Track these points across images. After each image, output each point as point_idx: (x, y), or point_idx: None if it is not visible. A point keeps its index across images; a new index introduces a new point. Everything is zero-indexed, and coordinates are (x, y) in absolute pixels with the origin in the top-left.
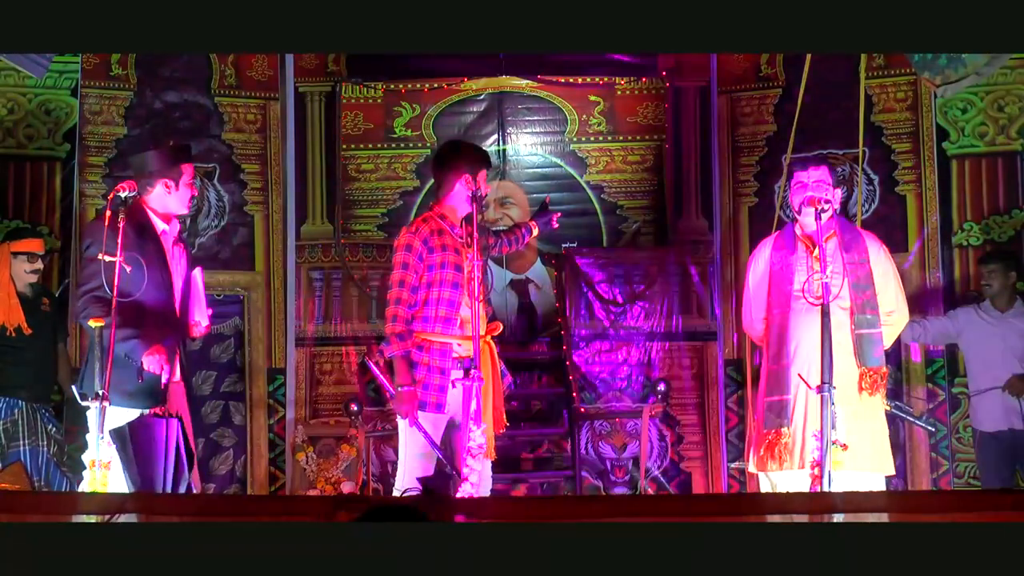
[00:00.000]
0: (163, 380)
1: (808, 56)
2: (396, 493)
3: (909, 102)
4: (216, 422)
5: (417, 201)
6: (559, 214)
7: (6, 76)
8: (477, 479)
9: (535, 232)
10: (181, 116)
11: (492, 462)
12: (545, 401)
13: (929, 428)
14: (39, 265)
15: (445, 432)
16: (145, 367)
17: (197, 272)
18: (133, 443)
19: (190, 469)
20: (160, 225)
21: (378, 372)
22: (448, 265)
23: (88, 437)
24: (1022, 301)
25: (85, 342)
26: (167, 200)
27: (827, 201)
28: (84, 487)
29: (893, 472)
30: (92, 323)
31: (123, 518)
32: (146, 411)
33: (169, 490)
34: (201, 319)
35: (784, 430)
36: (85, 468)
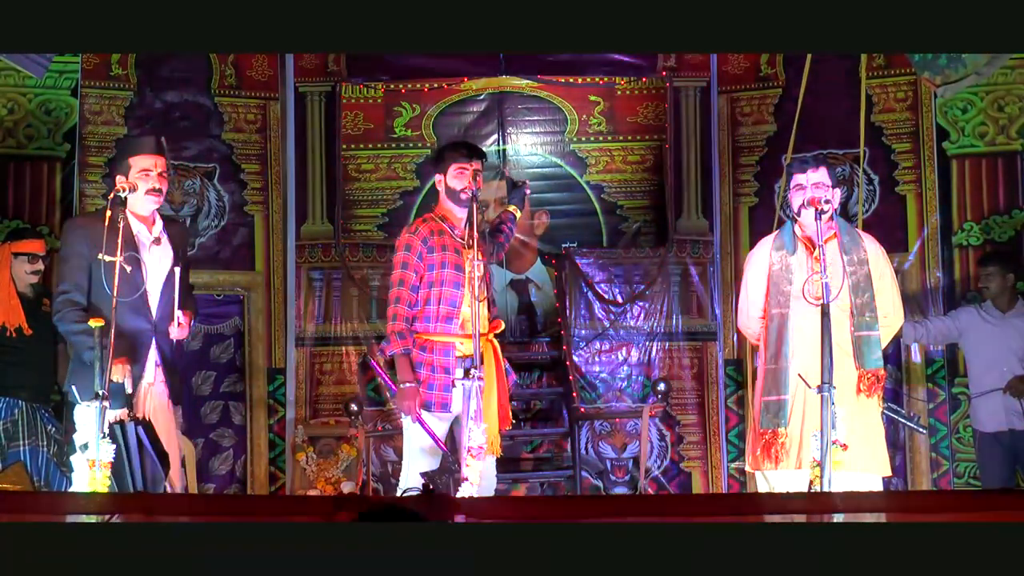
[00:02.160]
0: (127, 388)
1: (808, 56)
2: (400, 491)
3: (909, 102)
4: (216, 422)
5: (417, 201)
6: (526, 181)
7: (6, 76)
8: (478, 479)
9: (517, 215)
10: (181, 116)
11: (498, 461)
12: (545, 401)
13: (921, 430)
14: (40, 266)
15: (449, 431)
16: (111, 375)
17: (176, 271)
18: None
19: (166, 472)
20: (136, 226)
21: (380, 370)
22: (448, 264)
23: (75, 437)
24: (1023, 301)
25: (63, 346)
26: (132, 199)
27: (827, 201)
28: (74, 487)
29: (890, 473)
30: (92, 323)
31: (122, 518)
32: (112, 415)
33: (145, 491)
34: (176, 318)
35: (781, 430)
36: (73, 470)
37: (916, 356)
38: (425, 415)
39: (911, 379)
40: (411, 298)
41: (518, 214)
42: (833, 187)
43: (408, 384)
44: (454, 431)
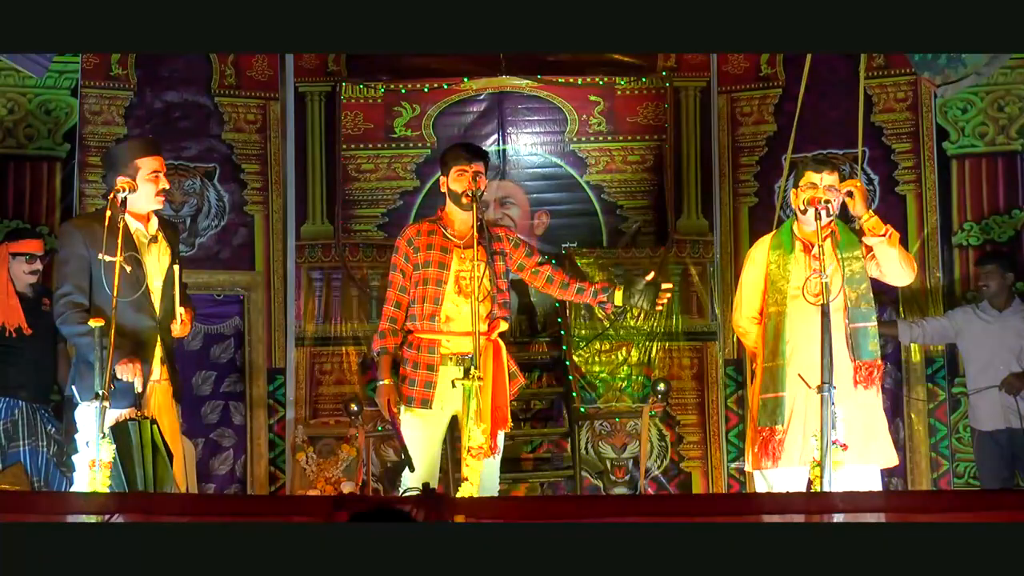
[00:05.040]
0: (137, 387)
1: (808, 56)
2: (400, 491)
3: (909, 102)
4: (216, 422)
5: (417, 201)
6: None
7: (6, 76)
8: (478, 479)
9: (617, 300)
10: (181, 116)
11: (500, 462)
12: (545, 401)
13: None
14: (38, 266)
15: (449, 431)
16: (118, 375)
17: (174, 269)
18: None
19: (171, 468)
20: (133, 224)
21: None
22: (432, 263)
23: (77, 438)
24: (1020, 301)
25: (63, 346)
26: (132, 198)
27: (828, 202)
28: (76, 488)
29: (896, 462)
30: (92, 323)
31: (122, 518)
32: (120, 414)
33: (152, 491)
34: (178, 316)
35: (779, 427)
36: (75, 470)
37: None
38: (408, 413)
39: (911, 379)
40: (399, 298)
41: (617, 300)
42: (838, 191)
43: (383, 382)
44: (453, 432)
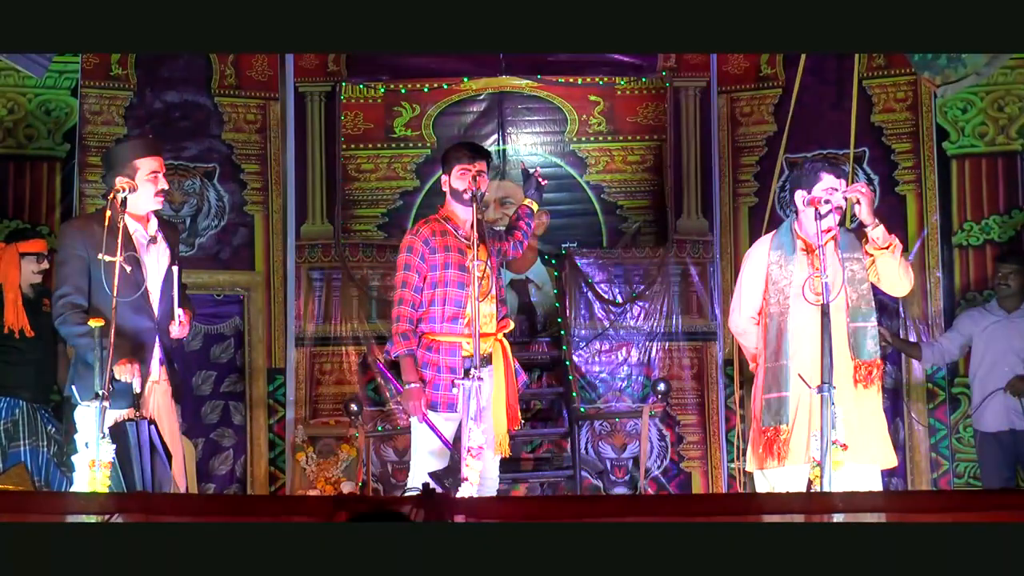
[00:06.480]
0: (136, 388)
1: (803, 56)
2: (403, 491)
3: (909, 102)
4: (216, 422)
5: (417, 201)
6: (538, 170)
7: (6, 76)
8: (478, 479)
9: (534, 208)
10: (181, 116)
11: (500, 462)
12: (545, 401)
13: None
14: (45, 265)
15: (457, 431)
16: (116, 376)
17: (173, 270)
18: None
19: (170, 468)
20: (133, 225)
21: (386, 371)
22: (452, 265)
23: (76, 438)
24: None
25: (63, 346)
26: (132, 199)
27: (828, 201)
28: (76, 488)
29: (896, 463)
30: (92, 323)
31: (122, 518)
32: (119, 415)
33: (151, 491)
34: (177, 317)
35: (783, 427)
36: (75, 470)
37: (918, 372)
38: (432, 415)
39: (911, 381)
40: (414, 299)
41: (535, 207)
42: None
43: (413, 385)
44: (459, 432)
